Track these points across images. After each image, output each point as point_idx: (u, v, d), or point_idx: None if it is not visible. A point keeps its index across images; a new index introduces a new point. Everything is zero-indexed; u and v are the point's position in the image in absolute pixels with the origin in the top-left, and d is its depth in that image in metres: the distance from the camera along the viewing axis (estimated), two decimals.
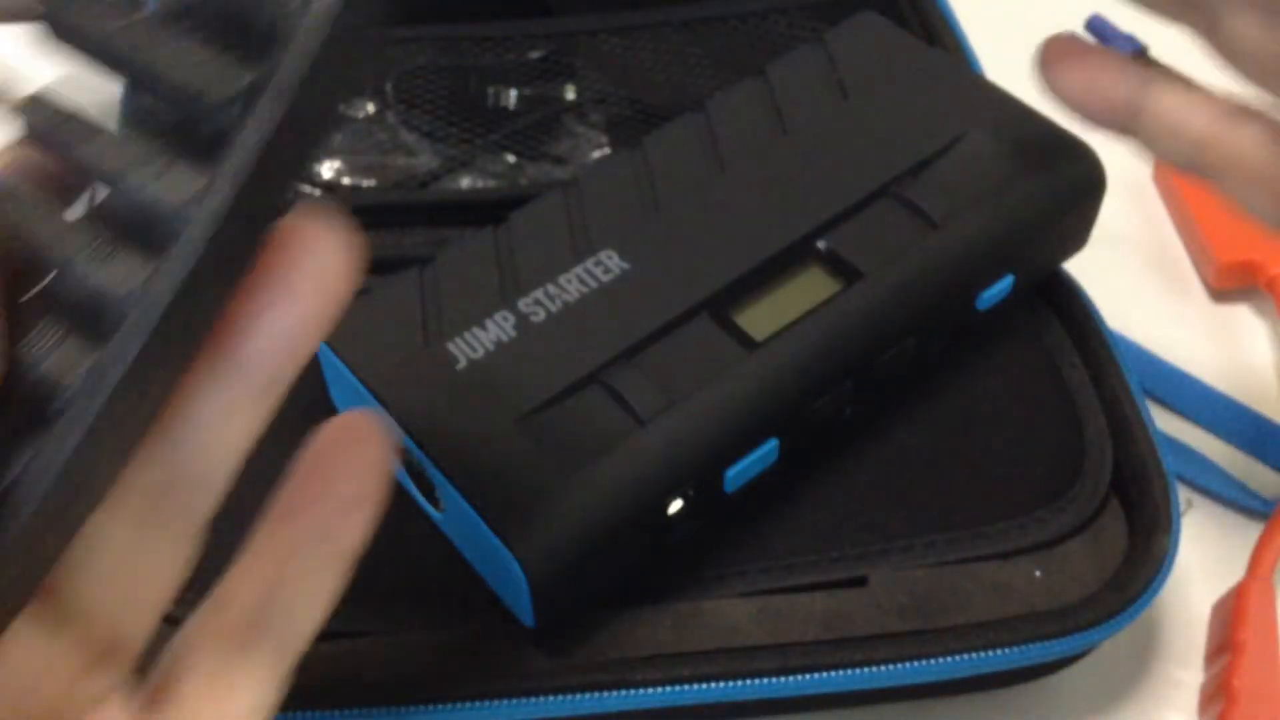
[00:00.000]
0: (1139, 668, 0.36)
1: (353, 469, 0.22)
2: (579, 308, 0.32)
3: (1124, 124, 0.30)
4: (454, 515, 0.29)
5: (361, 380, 0.30)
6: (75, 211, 0.18)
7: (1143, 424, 0.34)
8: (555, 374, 0.30)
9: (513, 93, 0.44)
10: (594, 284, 0.32)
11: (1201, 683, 0.35)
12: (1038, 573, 0.32)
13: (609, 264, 0.32)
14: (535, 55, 0.45)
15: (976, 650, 0.30)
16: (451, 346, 0.31)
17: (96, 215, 0.18)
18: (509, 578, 0.28)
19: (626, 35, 0.46)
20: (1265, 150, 0.28)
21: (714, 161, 0.35)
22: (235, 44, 0.18)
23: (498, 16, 0.46)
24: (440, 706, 0.29)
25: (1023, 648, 0.31)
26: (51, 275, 0.18)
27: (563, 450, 0.29)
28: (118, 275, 0.18)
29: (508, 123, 0.43)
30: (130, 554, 0.21)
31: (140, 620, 0.22)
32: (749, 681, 0.30)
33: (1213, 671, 0.35)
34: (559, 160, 0.43)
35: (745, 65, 0.43)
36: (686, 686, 0.30)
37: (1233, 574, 0.36)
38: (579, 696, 0.29)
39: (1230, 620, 0.35)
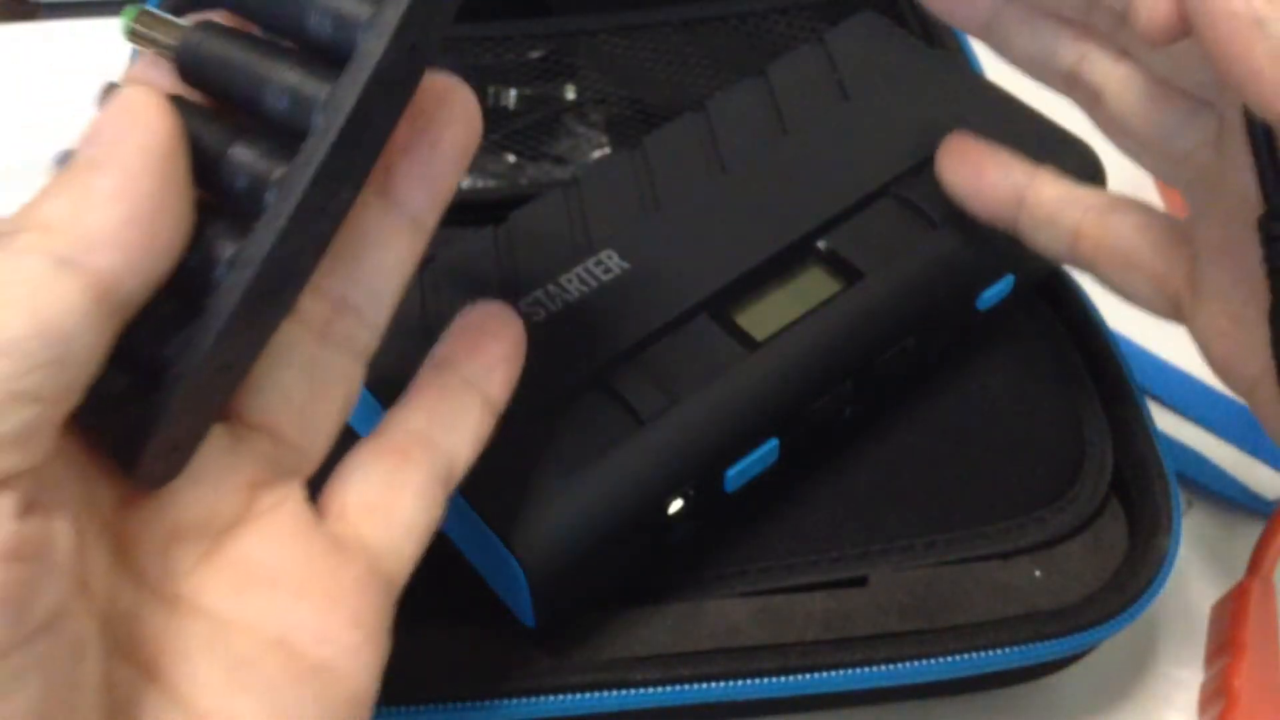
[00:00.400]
0: (1139, 668, 0.36)
1: (500, 335, 0.27)
2: (579, 308, 0.32)
3: (1007, 218, 0.31)
4: (454, 515, 0.29)
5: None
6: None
7: (1143, 424, 0.34)
8: (555, 374, 0.30)
9: (513, 93, 0.44)
10: (594, 284, 0.32)
11: (1201, 683, 0.35)
12: (1038, 573, 0.32)
13: (609, 264, 0.32)
14: (535, 55, 0.45)
15: (977, 650, 0.30)
16: None
17: (288, 49, 0.22)
18: (509, 578, 0.28)
19: (626, 35, 0.46)
20: (1136, 239, 0.29)
21: (714, 161, 0.35)
22: None
23: (498, 16, 0.46)
24: (440, 706, 0.29)
25: (1023, 648, 0.31)
26: (253, 94, 0.21)
27: (563, 450, 0.29)
28: (308, 90, 0.21)
29: (508, 123, 0.43)
30: (310, 371, 0.24)
31: (316, 438, 0.24)
32: (749, 681, 0.30)
33: (1213, 671, 0.35)
34: (559, 160, 0.43)
35: (745, 65, 0.43)
36: (686, 686, 0.30)
37: (1233, 574, 0.36)
38: (579, 696, 0.29)
39: (1230, 620, 0.35)
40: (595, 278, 0.32)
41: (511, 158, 0.43)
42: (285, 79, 0.21)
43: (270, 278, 0.21)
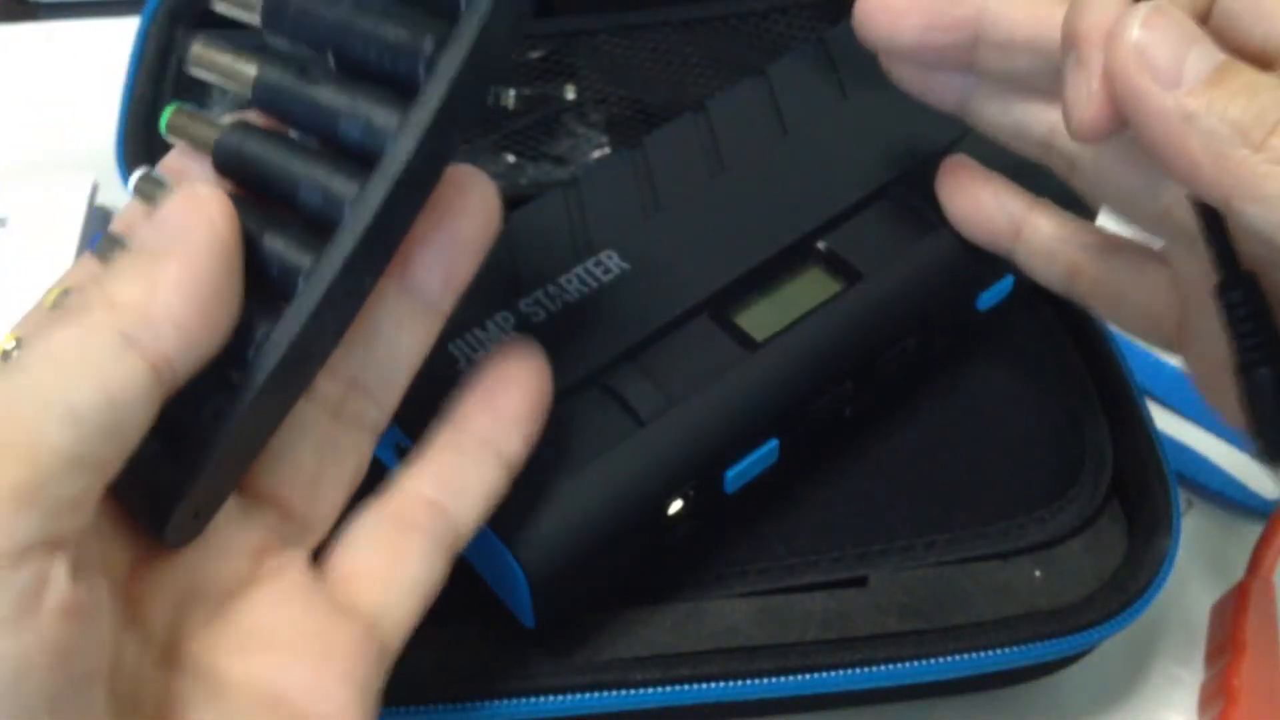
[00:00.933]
0: (1139, 668, 0.36)
1: (522, 384, 0.27)
2: (579, 308, 0.32)
3: (1002, 247, 0.31)
4: None
5: None
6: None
7: (1143, 424, 0.34)
8: (555, 374, 0.30)
9: (512, 93, 0.44)
10: (594, 284, 0.32)
11: (1201, 682, 0.35)
12: (1038, 573, 0.32)
13: (609, 264, 0.32)
14: (535, 55, 0.45)
15: (976, 650, 0.30)
16: (452, 347, 0.31)
17: (317, 145, 0.24)
18: (509, 578, 0.28)
19: (626, 35, 0.45)
20: (1131, 281, 0.29)
21: (714, 161, 0.35)
22: (422, 20, 0.23)
23: None
24: (440, 706, 0.29)
25: (1023, 648, 0.31)
26: (286, 190, 0.23)
27: (563, 450, 0.29)
28: (337, 188, 0.23)
29: (508, 123, 0.43)
30: (321, 447, 0.25)
31: (323, 510, 0.25)
32: (749, 681, 0.30)
33: (1213, 671, 0.35)
34: (559, 160, 0.43)
35: (745, 65, 0.43)
36: (686, 686, 0.30)
37: (1233, 574, 0.36)
38: (579, 696, 0.30)
39: (1230, 620, 0.35)
40: (595, 278, 0.32)
41: (511, 158, 0.43)
42: (317, 178, 0.23)
43: (295, 358, 0.23)
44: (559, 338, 0.31)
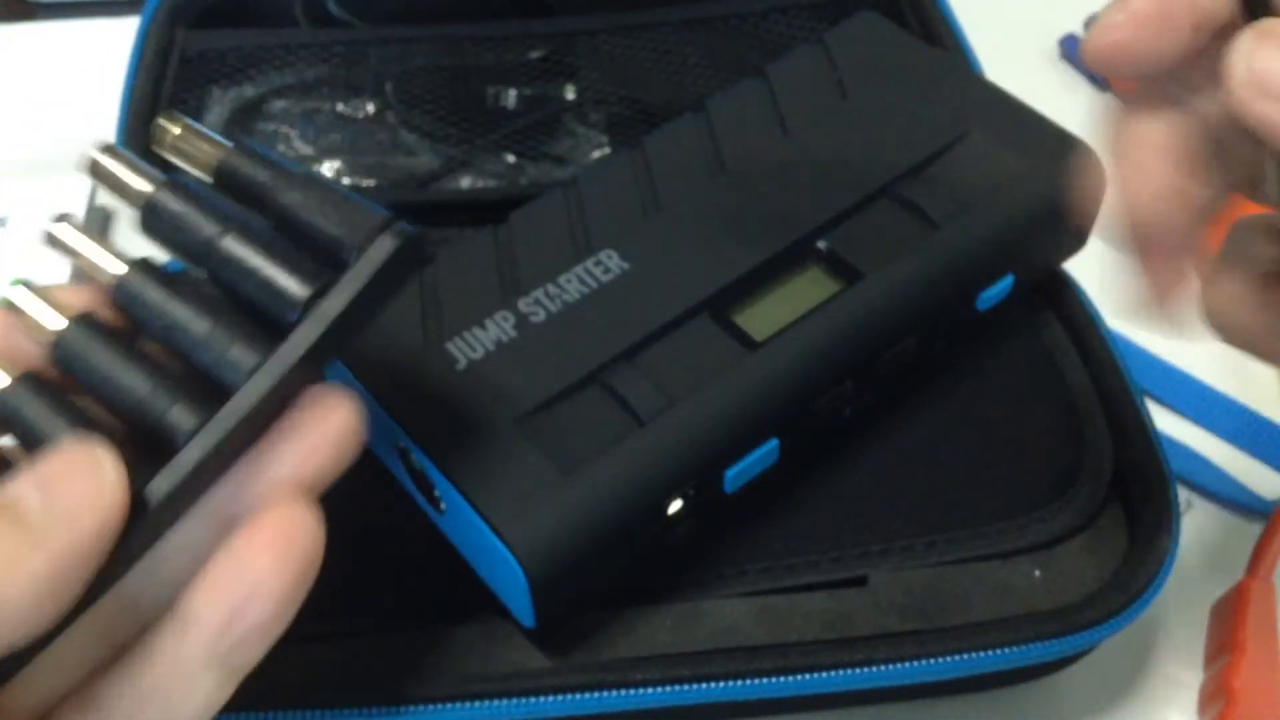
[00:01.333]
0: (1139, 668, 0.36)
1: (272, 562, 0.22)
2: (579, 308, 0.32)
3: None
4: (454, 515, 0.29)
5: (361, 381, 0.30)
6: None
7: (1143, 424, 0.34)
8: (555, 374, 0.30)
9: (513, 93, 0.44)
10: (594, 284, 0.32)
11: (1201, 683, 0.35)
12: (1038, 573, 0.32)
13: (609, 264, 0.32)
14: (535, 55, 0.45)
15: (976, 650, 0.30)
16: (451, 347, 0.31)
17: (166, 363, 0.23)
18: (509, 578, 0.28)
19: (626, 35, 0.46)
20: None
21: (714, 161, 0.35)
22: (302, 261, 0.23)
23: (498, 16, 0.46)
24: (441, 706, 0.29)
25: (1023, 648, 0.31)
26: (118, 406, 0.22)
27: (563, 450, 0.29)
28: (178, 417, 0.22)
29: (508, 123, 0.43)
30: (80, 667, 0.22)
31: None
32: (749, 681, 0.30)
33: (1213, 671, 0.35)
34: (559, 160, 0.43)
35: (745, 65, 0.43)
36: (686, 686, 0.30)
37: (1233, 574, 0.36)
38: (579, 696, 0.29)
39: (1230, 620, 0.35)
40: (595, 278, 0.32)
41: (511, 158, 0.43)
42: (154, 406, 0.22)
43: (96, 585, 0.21)
44: (559, 338, 0.31)
